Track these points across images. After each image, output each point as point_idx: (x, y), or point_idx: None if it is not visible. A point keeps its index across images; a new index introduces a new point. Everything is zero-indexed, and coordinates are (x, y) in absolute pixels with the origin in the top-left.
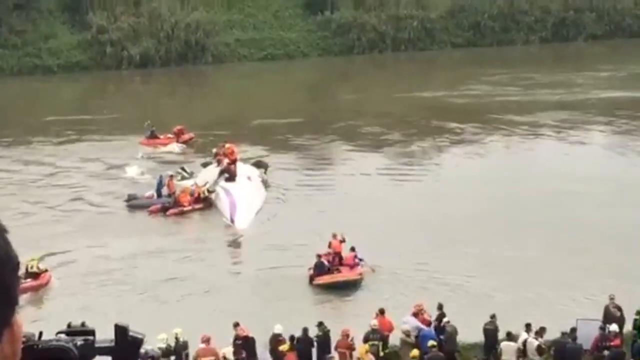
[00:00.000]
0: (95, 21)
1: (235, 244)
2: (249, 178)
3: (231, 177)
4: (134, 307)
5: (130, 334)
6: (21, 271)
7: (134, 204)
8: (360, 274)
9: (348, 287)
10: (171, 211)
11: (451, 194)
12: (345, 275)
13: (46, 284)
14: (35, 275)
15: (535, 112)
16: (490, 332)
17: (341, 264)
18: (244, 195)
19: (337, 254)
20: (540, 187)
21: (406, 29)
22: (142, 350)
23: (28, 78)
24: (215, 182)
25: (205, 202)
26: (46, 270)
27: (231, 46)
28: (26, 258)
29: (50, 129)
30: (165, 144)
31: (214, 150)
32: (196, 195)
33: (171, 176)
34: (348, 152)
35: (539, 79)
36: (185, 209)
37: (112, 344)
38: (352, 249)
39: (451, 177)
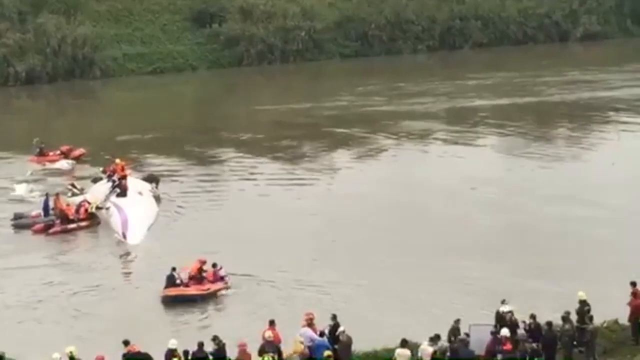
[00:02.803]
0: None
1: (129, 259)
2: (140, 193)
3: (122, 193)
4: (12, 328)
5: None
6: None
7: (20, 223)
8: (209, 289)
9: (195, 301)
10: (54, 229)
11: (345, 200)
12: (190, 290)
13: None
14: None
15: (423, 119)
16: None
17: (199, 282)
18: (136, 211)
19: (194, 275)
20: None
21: (294, 40)
22: None
23: None
24: (107, 198)
25: (91, 219)
26: None
27: (119, 60)
28: None
29: None
30: (54, 161)
31: (104, 166)
32: (83, 210)
33: (57, 194)
34: (238, 162)
35: (426, 87)
36: (69, 226)
37: None
38: (214, 265)
39: (337, 184)
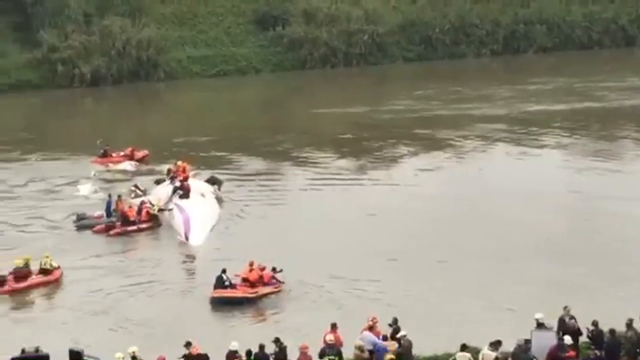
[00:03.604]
0: (46, 40)
1: (188, 260)
2: (202, 195)
3: (185, 194)
4: (88, 328)
5: (85, 358)
6: (35, 267)
7: (82, 223)
8: (257, 292)
9: (241, 304)
10: (114, 231)
11: (401, 205)
12: (237, 292)
13: (56, 280)
14: (47, 272)
15: (483, 123)
16: None
17: (252, 284)
18: (198, 212)
19: (245, 277)
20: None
21: (357, 43)
22: None
23: None
24: (169, 200)
25: (152, 221)
26: (58, 267)
27: (183, 63)
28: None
29: (1, 148)
30: (117, 162)
31: (167, 167)
32: (144, 212)
33: (119, 196)
34: (302, 167)
35: (486, 91)
36: (129, 228)
37: None
38: (273, 269)
39: (402, 189)
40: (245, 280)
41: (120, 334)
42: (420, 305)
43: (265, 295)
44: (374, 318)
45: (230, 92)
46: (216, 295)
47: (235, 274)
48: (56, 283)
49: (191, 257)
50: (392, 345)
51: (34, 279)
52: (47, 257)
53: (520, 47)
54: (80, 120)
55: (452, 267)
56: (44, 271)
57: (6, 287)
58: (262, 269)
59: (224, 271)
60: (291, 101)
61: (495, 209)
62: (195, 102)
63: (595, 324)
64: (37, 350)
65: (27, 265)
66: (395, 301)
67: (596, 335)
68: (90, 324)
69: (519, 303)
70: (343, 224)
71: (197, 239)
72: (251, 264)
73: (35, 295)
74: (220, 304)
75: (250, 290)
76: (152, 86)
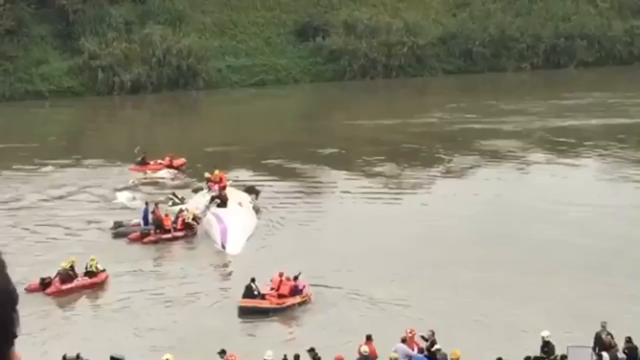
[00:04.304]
0: (87, 47)
1: (224, 269)
2: (240, 204)
3: (222, 203)
4: (104, 335)
5: None
6: (81, 269)
7: (120, 231)
8: (284, 302)
9: (267, 313)
10: (148, 238)
11: (436, 218)
12: (264, 302)
13: (102, 283)
14: (92, 274)
15: (521, 138)
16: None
17: (280, 295)
18: (235, 221)
19: (274, 287)
20: (521, 211)
21: (397, 55)
22: None
23: (19, 104)
24: (207, 208)
25: (188, 229)
26: (104, 270)
27: (223, 72)
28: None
29: (42, 154)
30: (155, 170)
31: (206, 175)
32: (180, 220)
33: (156, 204)
34: (339, 178)
35: (521, 106)
36: (164, 236)
37: None
38: (296, 278)
39: (437, 203)
40: (273, 290)
41: (151, 341)
42: (456, 318)
43: (293, 305)
44: (411, 330)
45: (269, 102)
46: (243, 304)
47: (266, 283)
48: (101, 286)
49: (227, 266)
50: None
51: (80, 281)
52: (92, 260)
53: (560, 61)
54: (120, 128)
55: (487, 281)
56: (89, 274)
57: (52, 289)
58: (288, 279)
59: (253, 280)
60: (329, 112)
61: (527, 224)
62: (233, 111)
63: (629, 339)
64: (77, 356)
65: (72, 267)
66: (432, 314)
67: (629, 352)
68: (122, 330)
69: (552, 319)
70: (381, 236)
71: (234, 248)
72: (281, 275)
73: (78, 298)
74: (248, 314)
75: (277, 300)
76: (191, 95)
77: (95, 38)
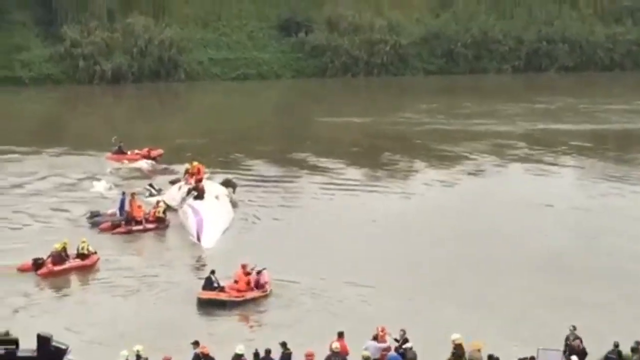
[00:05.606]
0: (68, 35)
1: (196, 262)
2: (217, 197)
3: (199, 196)
4: (72, 327)
5: (54, 343)
6: (72, 251)
7: (95, 221)
8: (243, 296)
9: (225, 306)
10: (118, 229)
11: (409, 216)
12: (222, 295)
13: (93, 265)
14: (84, 256)
15: (498, 139)
16: None
17: (238, 288)
18: (212, 214)
19: (236, 280)
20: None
21: (379, 53)
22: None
23: None
24: (183, 200)
25: (158, 222)
26: (95, 253)
27: (204, 64)
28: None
29: (18, 140)
30: (133, 160)
31: (185, 168)
32: (152, 212)
33: (133, 194)
34: (315, 173)
35: (502, 108)
36: (134, 228)
37: (35, 353)
38: (259, 272)
39: (402, 198)
40: (235, 282)
41: (118, 332)
42: (428, 317)
43: (253, 299)
44: (382, 328)
45: (250, 96)
46: (201, 296)
47: (228, 276)
48: (92, 267)
49: (197, 259)
50: None
51: (72, 262)
52: (84, 242)
53: (542, 65)
54: (99, 117)
55: (461, 280)
56: (81, 256)
57: (44, 270)
58: (250, 272)
59: (212, 272)
60: (309, 108)
61: (500, 223)
62: (214, 104)
63: (616, 345)
64: (6, 334)
65: (65, 249)
66: (404, 312)
67: (616, 357)
68: (77, 318)
69: (527, 320)
70: (354, 231)
71: (209, 241)
72: (243, 267)
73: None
74: (206, 305)
75: (236, 293)
76: (172, 86)
77: (77, 26)
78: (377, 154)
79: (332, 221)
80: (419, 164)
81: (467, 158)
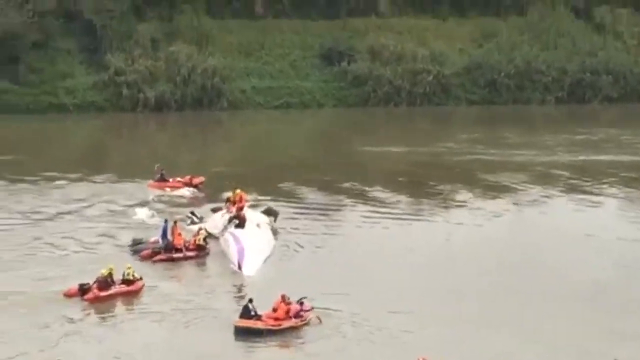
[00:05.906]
0: (112, 62)
1: (238, 290)
2: (258, 225)
3: (241, 224)
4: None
5: None
6: (118, 277)
7: (138, 248)
8: (280, 324)
9: (261, 334)
10: (158, 257)
11: (454, 250)
12: (258, 323)
13: (138, 291)
14: (129, 282)
15: (541, 169)
16: None
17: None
18: (253, 242)
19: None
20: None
21: (422, 83)
22: None
23: (43, 116)
24: (225, 228)
25: (199, 250)
26: (140, 279)
27: (247, 93)
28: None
29: (63, 167)
30: (175, 188)
31: (227, 196)
32: (193, 241)
33: (175, 222)
34: (357, 202)
35: (550, 140)
36: (174, 255)
37: None
38: (299, 302)
39: (452, 230)
40: (274, 311)
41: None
42: (472, 347)
43: (290, 328)
44: (424, 359)
45: (292, 125)
46: (238, 324)
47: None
48: (138, 293)
49: (240, 287)
50: None
51: (117, 288)
52: (129, 268)
53: (585, 96)
54: (142, 145)
55: (505, 310)
56: (126, 281)
57: (90, 295)
58: (289, 303)
59: (250, 301)
60: (352, 137)
61: (545, 254)
62: (256, 132)
63: None
64: None
65: (111, 275)
66: (447, 342)
67: None
68: (116, 347)
69: (571, 350)
70: (397, 260)
71: (250, 269)
72: (283, 297)
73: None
74: (242, 334)
75: (273, 322)
76: (215, 114)
77: (122, 54)
78: (419, 183)
79: (374, 250)
80: (462, 194)
81: (510, 188)
